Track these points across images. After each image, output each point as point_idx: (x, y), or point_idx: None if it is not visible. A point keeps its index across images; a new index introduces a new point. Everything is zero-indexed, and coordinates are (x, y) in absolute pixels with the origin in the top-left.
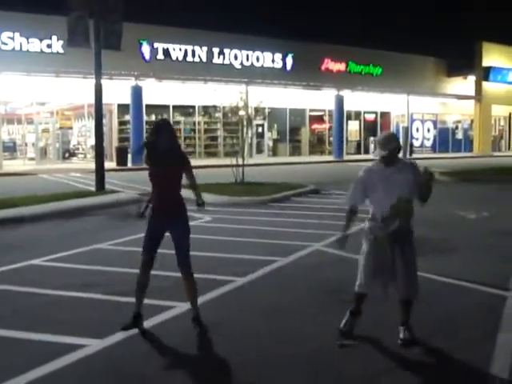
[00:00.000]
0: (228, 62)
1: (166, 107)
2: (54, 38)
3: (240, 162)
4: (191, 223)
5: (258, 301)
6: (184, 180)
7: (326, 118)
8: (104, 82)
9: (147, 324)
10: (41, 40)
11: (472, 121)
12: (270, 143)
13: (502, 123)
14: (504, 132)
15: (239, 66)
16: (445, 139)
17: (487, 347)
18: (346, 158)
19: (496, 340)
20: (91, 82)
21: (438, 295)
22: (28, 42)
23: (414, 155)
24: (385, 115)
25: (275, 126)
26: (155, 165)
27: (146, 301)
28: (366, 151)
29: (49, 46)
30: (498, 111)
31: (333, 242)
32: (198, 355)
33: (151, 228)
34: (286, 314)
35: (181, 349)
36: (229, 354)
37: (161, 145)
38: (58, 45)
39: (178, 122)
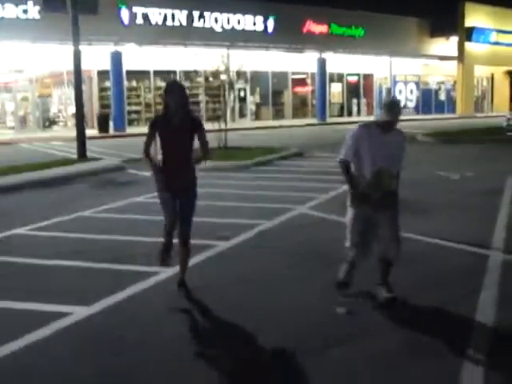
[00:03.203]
0: (209, 26)
1: (146, 73)
2: (30, 3)
3: (223, 126)
4: None
5: (242, 264)
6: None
7: (309, 81)
8: (83, 47)
9: (133, 290)
10: (16, 5)
11: (455, 82)
12: (253, 107)
13: (484, 84)
14: (486, 93)
15: (220, 30)
16: (428, 100)
17: (470, 304)
18: (329, 120)
19: (479, 297)
20: (69, 48)
21: (421, 254)
22: (3, 8)
23: None
24: (367, 77)
25: (258, 89)
26: (167, 133)
27: (132, 267)
28: (350, 113)
29: (25, 11)
30: (481, 72)
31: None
32: (182, 319)
33: (165, 197)
34: (270, 276)
35: (166, 313)
36: (213, 318)
37: (174, 109)
38: (34, 10)
39: (159, 88)
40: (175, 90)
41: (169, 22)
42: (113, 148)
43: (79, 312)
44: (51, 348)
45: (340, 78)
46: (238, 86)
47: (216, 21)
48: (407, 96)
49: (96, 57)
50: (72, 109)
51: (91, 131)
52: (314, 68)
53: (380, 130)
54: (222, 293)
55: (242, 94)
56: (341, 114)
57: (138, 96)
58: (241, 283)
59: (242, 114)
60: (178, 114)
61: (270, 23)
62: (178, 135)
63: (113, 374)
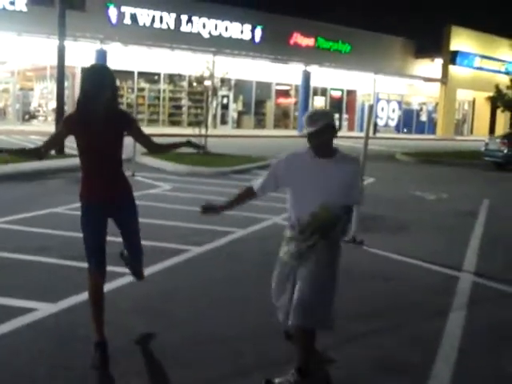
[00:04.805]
0: (196, 31)
1: (130, 73)
2: None
3: (203, 132)
4: (151, 191)
5: (212, 270)
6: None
7: (292, 93)
8: (68, 43)
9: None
10: None
11: (437, 103)
12: (235, 115)
13: (465, 107)
14: (467, 116)
15: (207, 35)
16: (409, 120)
17: (437, 326)
18: None
19: (447, 319)
20: (55, 42)
21: (392, 273)
22: None
23: (378, 134)
24: (351, 93)
25: (241, 97)
26: (86, 133)
27: None
28: None
29: (12, 3)
30: (463, 96)
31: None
32: (147, 322)
33: (90, 223)
34: (238, 284)
35: (130, 315)
36: (175, 322)
37: (96, 102)
38: (21, 2)
39: (143, 89)
40: (97, 75)
41: (156, 24)
42: None
43: (44, 309)
44: (9, 344)
45: (323, 92)
46: (221, 92)
47: (204, 26)
48: (389, 114)
49: (81, 54)
50: (53, 104)
51: None
52: (298, 80)
53: (312, 153)
54: (186, 298)
55: (225, 101)
56: None
57: (121, 96)
58: (207, 289)
59: (224, 121)
60: (103, 109)
61: (258, 32)
62: (103, 137)
63: (68, 376)
